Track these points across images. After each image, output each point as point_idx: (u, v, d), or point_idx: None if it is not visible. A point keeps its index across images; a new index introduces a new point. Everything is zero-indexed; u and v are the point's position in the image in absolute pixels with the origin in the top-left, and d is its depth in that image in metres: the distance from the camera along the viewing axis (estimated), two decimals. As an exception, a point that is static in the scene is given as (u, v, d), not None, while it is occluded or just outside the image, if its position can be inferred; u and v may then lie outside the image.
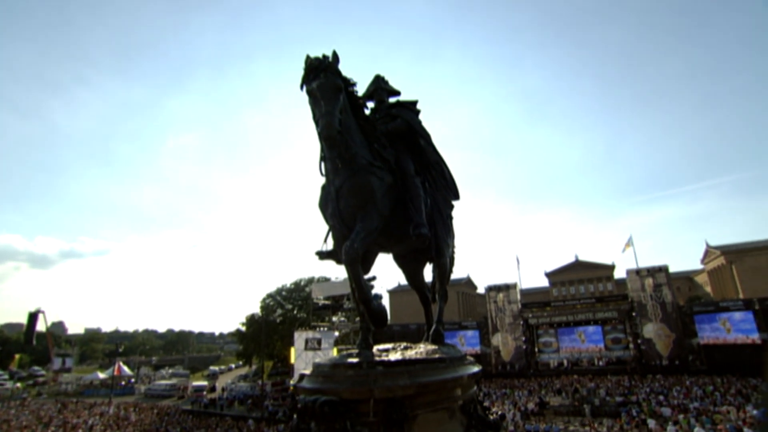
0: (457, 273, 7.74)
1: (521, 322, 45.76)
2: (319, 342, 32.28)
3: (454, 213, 6.97)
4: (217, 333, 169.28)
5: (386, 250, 6.12)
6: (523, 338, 44.99)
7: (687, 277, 76.43)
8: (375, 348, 5.22)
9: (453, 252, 6.92)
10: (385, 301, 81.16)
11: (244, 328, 65.75)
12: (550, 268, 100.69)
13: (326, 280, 40.06)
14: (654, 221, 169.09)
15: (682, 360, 37.98)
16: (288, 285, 65.18)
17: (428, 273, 7.75)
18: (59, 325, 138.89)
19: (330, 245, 5.64)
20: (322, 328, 34.20)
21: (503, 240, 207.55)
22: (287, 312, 62.32)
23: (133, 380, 64.13)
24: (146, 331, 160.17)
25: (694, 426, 21.90)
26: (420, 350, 5.05)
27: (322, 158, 5.27)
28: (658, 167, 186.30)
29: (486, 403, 5.37)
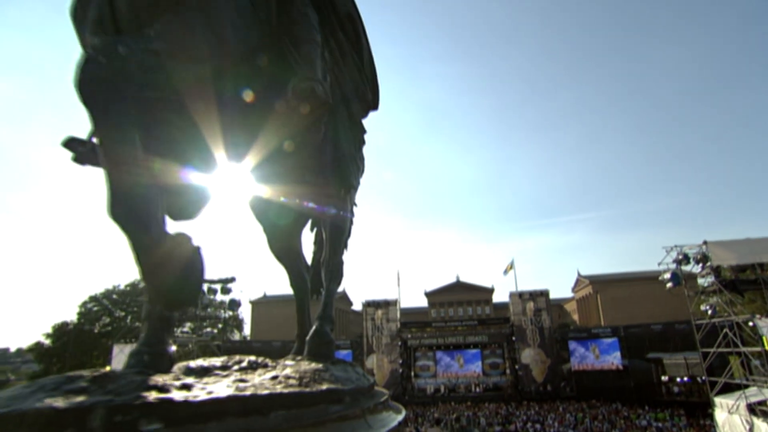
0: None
1: (399, 343, 45.19)
2: (147, 360, 26.67)
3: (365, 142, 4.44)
4: (13, 348, 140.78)
5: (230, 148, 3.28)
6: (400, 361, 44.43)
7: (558, 305, 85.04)
8: (178, 366, 2.39)
9: (353, 209, 4.38)
10: (246, 314, 74.90)
11: (48, 342, 54.51)
12: (430, 288, 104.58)
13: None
14: (532, 248, 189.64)
15: (555, 386, 40.78)
16: (121, 286, 56.15)
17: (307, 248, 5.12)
18: None
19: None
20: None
21: (384, 254, 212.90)
22: (117, 320, 53.37)
23: None
24: None
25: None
26: (286, 372, 2.34)
27: None
28: (542, 195, 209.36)
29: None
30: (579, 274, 79.73)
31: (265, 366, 2.63)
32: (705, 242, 19.14)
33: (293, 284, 4.29)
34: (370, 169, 4.41)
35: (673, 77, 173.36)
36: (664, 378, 36.82)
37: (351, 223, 4.24)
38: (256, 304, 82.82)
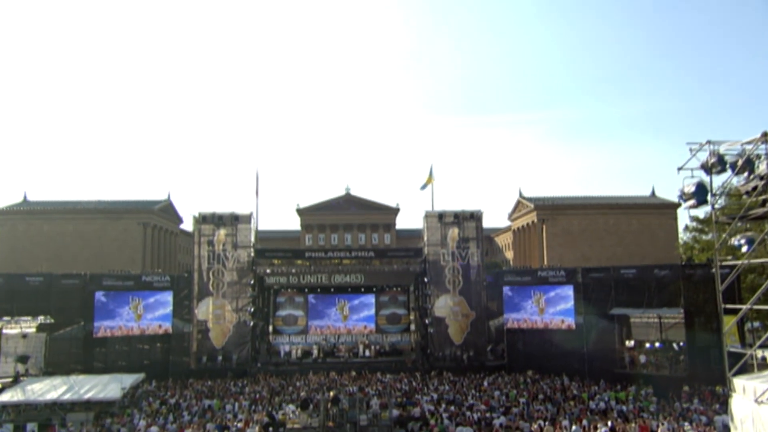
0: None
1: (251, 282, 42.94)
2: None
3: None
4: None
5: None
6: (251, 309, 42.30)
7: (486, 237, 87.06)
8: None
9: None
10: None
11: None
12: (307, 203, 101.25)
13: None
14: (458, 156, 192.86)
15: (478, 350, 40.99)
16: None
17: None
18: None
19: None
20: None
21: (237, 145, 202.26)
22: None
23: None
24: None
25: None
26: None
27: None
28: (477, 81, 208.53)
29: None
30: (521, 195, 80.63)
31: None
32: (765, 134, 16.67)
33: None
34: None
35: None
36: (629, 343, 37.71)
37: None
38: (6, 215, 76.91)
